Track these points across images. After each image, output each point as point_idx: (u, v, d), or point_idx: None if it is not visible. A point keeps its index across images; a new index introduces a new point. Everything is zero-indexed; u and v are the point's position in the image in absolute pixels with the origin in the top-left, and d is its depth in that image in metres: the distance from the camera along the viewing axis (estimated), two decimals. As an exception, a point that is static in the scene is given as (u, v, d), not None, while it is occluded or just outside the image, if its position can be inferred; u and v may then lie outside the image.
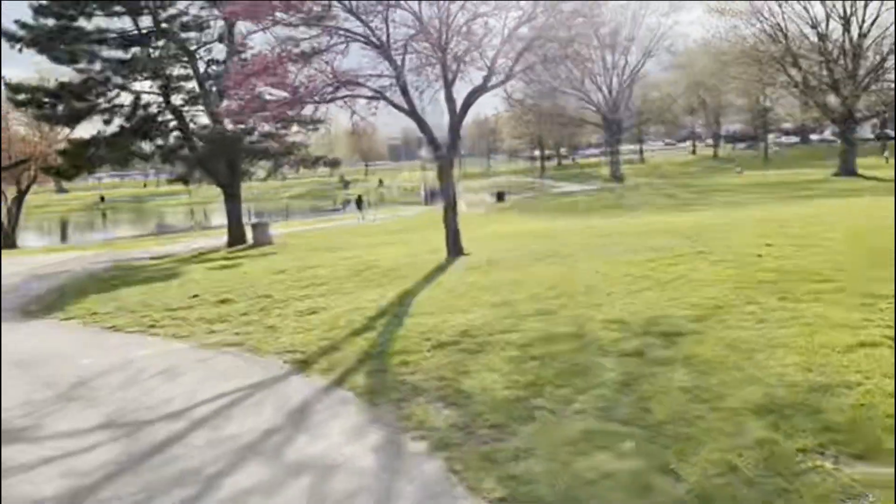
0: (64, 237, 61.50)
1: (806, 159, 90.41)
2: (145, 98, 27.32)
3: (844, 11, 46.15)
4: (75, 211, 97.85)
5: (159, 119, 28.07)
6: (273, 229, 38.88)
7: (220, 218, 37.26)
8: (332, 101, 13.42)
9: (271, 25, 13.52)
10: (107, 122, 27.23)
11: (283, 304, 11.07)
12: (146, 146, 27.61)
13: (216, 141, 26.71)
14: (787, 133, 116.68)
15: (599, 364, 5.70)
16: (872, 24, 46.21)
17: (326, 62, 13.44)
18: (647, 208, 35.01)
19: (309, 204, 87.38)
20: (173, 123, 28.37)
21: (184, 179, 28.99)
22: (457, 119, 13.46)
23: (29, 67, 30.71)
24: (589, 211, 36.65)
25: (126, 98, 26.73)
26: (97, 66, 25.50)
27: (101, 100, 26.70)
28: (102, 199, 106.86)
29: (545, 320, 7.29)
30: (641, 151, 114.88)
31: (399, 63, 13.10)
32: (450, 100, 13.65)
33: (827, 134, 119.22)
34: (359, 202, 46.20)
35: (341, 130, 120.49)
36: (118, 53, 25.89)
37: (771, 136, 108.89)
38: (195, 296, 13.42)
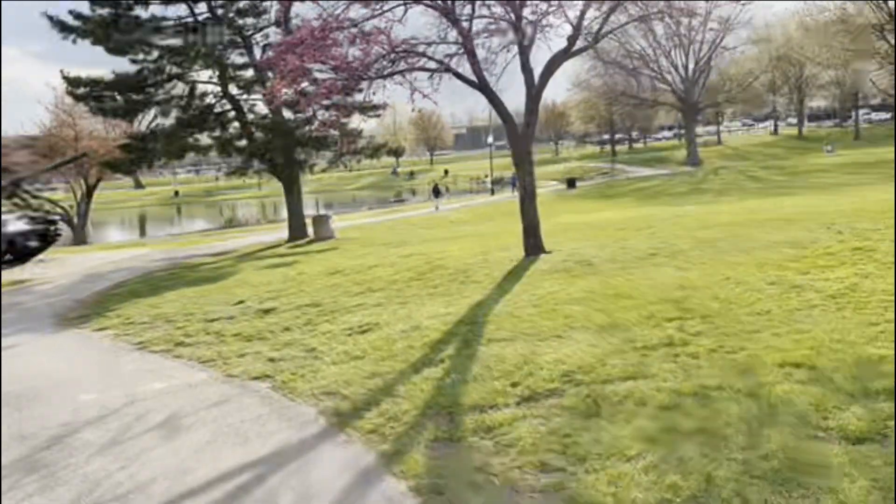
0: (143, 231, 62.64)
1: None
2: (202, 88, 26.22)
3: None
4: (152, 206, 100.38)
5: (217, 109, 26.94)
6: (338, 221, 38.03)
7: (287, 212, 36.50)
8: (389, 75, 11.48)
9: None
10: (164, 115, 26.30)
11: (332, 315, 9.28)
12: (203, 138, 26.49)
13: (273, 130, 25.36)
14: (875, 109, 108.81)
15: (817, 457, 3.44)
16: None
17: (381, 30, 11.51)
18: (737, 193, 31.98)
19: (376, 195, 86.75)
20: (232, 114, 27.25)
21: (241, 172, 27.87)
22: (536, 91, 11.31)
23: (82, 61, 29.63)
24: (672, 196, 33.81)
25: (182, 89, 25.65)
26: (153, 55, 24.45)
27: (158, 91, 25.75)
28: (177, 193, 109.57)
29: (683, 360, 5.11)
30: (719, 133, 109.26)
31: (466, 26, 11.06)
32: (526, 69, 11.51)
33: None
34: (436, 190, 45.96)
35: (405, 120, 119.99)
36: (174, 42, 24.75)
37: (860, 113, 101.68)
38: (240, 302, 11.86)
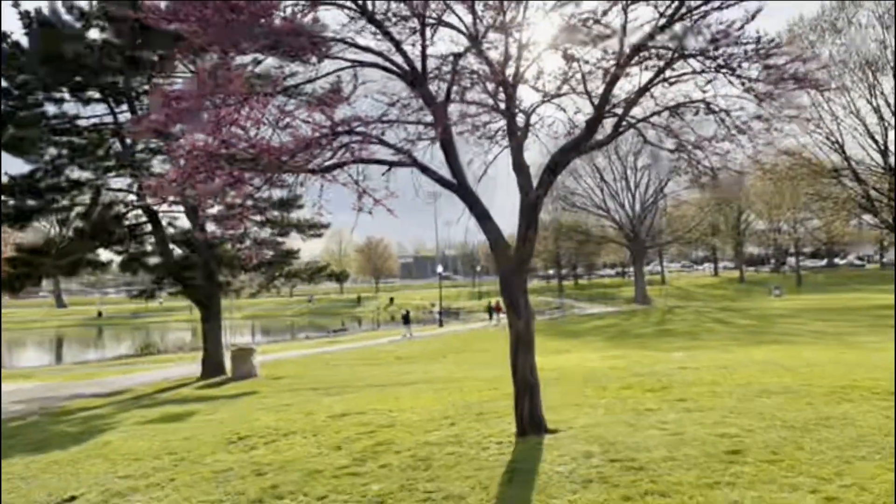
0: (59, 356, 56.60)
1: (840, 283, 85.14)
2: (111, 195, 22.44)
3: (905, 121, 42.09)
4: (73, 326, 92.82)
5: (127, 221, 23.07)
6: (270, 352, 33.40)
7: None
8: (326, 170, 8.03)
9: (235, 54, 8.43)
10: (62, 223, 22.25)
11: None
12: (105, 253, 22.41)
13: (192, 246, 21.53)
14: (810, 256, 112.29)
15: None
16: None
17: (322, 100, 8.22)
18: (711, 337, 29.15)
19: (318, 321, 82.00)
20: (147, 226, 23.41)
21: (150, 294, 23.65)
22: (535, 197, 7.97)
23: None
24: (641, 338, 30.72)
25: (86, 194, 21.83)
26: (50, 154, 20.78)
27: (58, 196, 21.83)
28: (100, 314, 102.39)
29: None
30: (663, 272, 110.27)
31: (439, 99, 7.85)
32: (521, 170, 8.24)
33: (852, 258, 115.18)
34: (406, 318, 45.40)
35: (351, 247, 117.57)
36: (79, 140, 21.23)
37: (791, 260, 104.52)
38: (70, 499, 7.55)
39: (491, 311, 52.07)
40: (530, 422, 7.64)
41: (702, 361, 15.74)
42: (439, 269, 59.18)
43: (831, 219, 51.30)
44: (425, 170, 8.07)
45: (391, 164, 8.28)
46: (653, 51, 7.27)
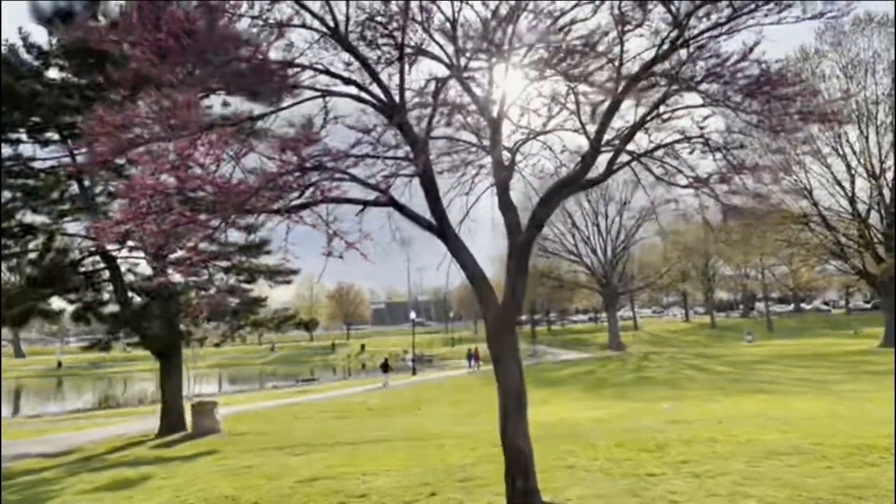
0: (16, 408, 53.67)
1: (809, 328, 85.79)
2: (66, 240, 21.22)
3: (871, 168, 42.78)
4: (32, 377, 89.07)
5: (84, 268, 21.82)
6: (235, 404, 31.82)
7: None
8: (292, 211, 7.23)
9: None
10: (13, 270, 20.91)
11: None
12: (59, 301, 21.08)
13: (152, 294, 20.36)
14: (779, 301, 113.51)
15: None
16: (903, 180, 42.84)
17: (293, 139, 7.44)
18: (691, 386, 28.50)
19: (287, 370, 79.73)
20: (105, 273, 22.16)
21: (105, 345, 22.25)
22: (525, 240, 7.23)
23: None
24: (621, 386, 29.93)
25: (39, 238, 20.58)
26: (5, 197, 19.58)
27: (10, 242, 20.55)
28: (60, 364, 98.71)
29: None
30: (635, 318, 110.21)
31: (420, 134, 7.12)
32: (508, 209, 7.52)
33: (818, 303, 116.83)
34: (384, 366, 44.35)
35: (323, 292, 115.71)
36: (34, 182, 20.12)
37: (761, 305, 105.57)
38: None
39: (470, 357, 51.36)
40: (524, 496, 6.72)
41: (691, 414, 14.97)
42: (412, 315, 58.07)
43: (801, 264, 51.68)
44: (403, 210, 7.30)
45: (365, 204, 7.50)
46: (652, 79, 6.66)
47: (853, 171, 43.26)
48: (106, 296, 22.95)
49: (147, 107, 6.49)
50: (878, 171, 42.45)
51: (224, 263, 23.22)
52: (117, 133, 6.17)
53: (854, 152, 42.61)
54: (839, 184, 43.73)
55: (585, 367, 47.52)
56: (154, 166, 7.11)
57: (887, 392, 17.59)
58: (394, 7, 6.88)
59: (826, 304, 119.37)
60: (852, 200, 43.62)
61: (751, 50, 6.16)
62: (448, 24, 7.59)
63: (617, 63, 6.65)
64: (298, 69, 6.94)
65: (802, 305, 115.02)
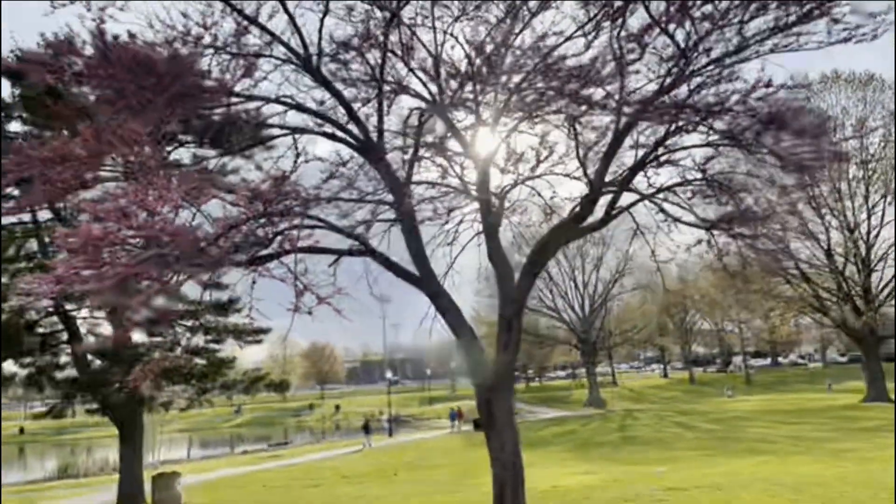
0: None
1: (787, 382, 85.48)
2: (22, 300, 19.98)
3: (846, 221, 43.12)
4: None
5: (41, 329, 20.55)
6: (202, 472, 30.01)
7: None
8: (254, 263, 6.44)
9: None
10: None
11: None
12: (10, 365, 19.69)
13: (111, 357, 19.11)
14: (755, 356, 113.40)
15: None
16: (877, 235, 43.21)
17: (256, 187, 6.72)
18: (679, 444, 27.54)
19: (259, 432, 76.83)
20: (65, 336, 20.89)
21: (59, 413, 20.74)
22: (520, 293, 6.46)
23: None
24: (607, 447, 28.80)
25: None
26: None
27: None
28: (22, 430, 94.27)
29: None
30: (614, 374, 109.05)
31: (401, 177, 6.41)
32: (497, 257, 6.77)
33: (794, 356, 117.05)
34: (366, 427, 43.16)
35: (295, 351, 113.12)
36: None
37: (738, 359, 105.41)
38: None
39: (454, 416, 50.12)
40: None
41: (688, 478, 14.04)
42: (388, 374, 56.57)
43: (780, 318, 51.53)
44: (382, 260, 6.52)
45: (340, 254, 6.72)
46: (656, 114, 6.07)
47: (827, 224, 43.54)
48: (65, 358, 21.64)
49: (84, 144, 5.68)
50: (852, 225, 42.78)
51: (190, 323, 22.12)
52: (48, 171, 5.34)
53: (828, 205, 42.98)
54: (815, 238, 43.91)
55: (568, 425, 46.27)
56: (101, 213, 6.29)
57: (886, 451, 16.89)
58: (373, 31, 6.24)
59: (802, 357, 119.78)
60: (828, 253, 43.75)
61: (753, 88, 5.58)
62: (430, 60, 7.01)
63: (617, 98, 6.07)
64: (262, 102, 6.20)
65: (779, 359, 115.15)
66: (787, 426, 31.45)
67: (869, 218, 43.11)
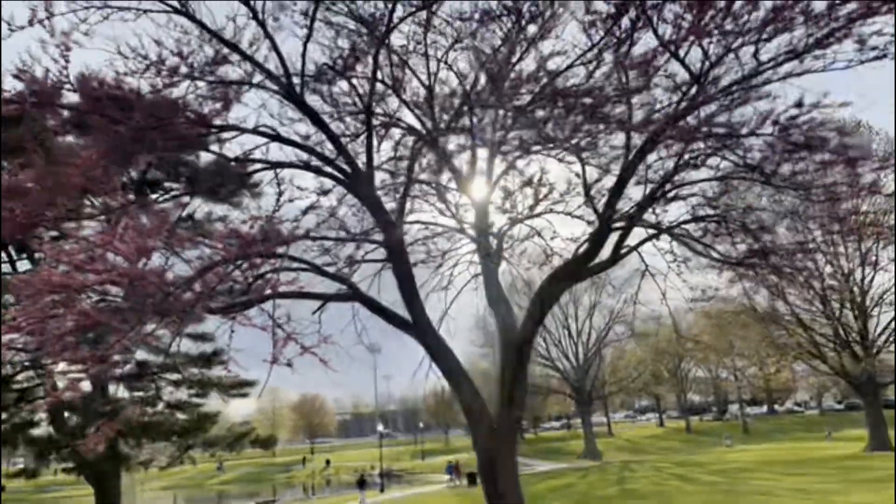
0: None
1: (785, 430, 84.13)
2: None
3: (840, 266, 42.86)
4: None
5: (17, 384, 19.68)
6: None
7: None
8: (230, 311, 5.86)
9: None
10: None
11: None
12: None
13: (87, 411, 18.21)
14: (750, 403, 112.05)
15: None
16: (871, 280, 42.91)
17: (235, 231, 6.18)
18: (682, 498, 26.51)
19: (248, 489, 74.46)
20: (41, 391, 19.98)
21: (30, 473, 19.65)
22: (523, 339, 5.88)
23: None
24: (608, 501, 27.72)
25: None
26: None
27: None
28: (3, 488, 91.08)
29: None
30: (609, 423, 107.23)
31: (392, 213, 5.88)
32: (498, 302, 6.20)
33: (790, 404, 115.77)
34: (361, 482, 42.21)
35: (285, 404, 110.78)
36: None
37: (734, 407, 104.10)
38: None
39: (450, 470, 48.83)
40: None
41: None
42: (379, 427, 55.19)
43: (776, 364, 50.77)
44: (371, 304, 5.94)
45: (326, 299, 6.13)
46: (676, 131, 5.59)
47: (821, 270, 43.25)
48: (42, 415, 20.71)
49: (37, 177, 5.14)
50: (846, 270, 42.51)
51: (174, 376, 21.30)
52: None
53: (820, 250, 42.78)
54: (808, 282, 43.55)
55: (564, 479, 44.89)
56: (65, 257, 5.71)
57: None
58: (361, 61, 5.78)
59: (798, 405, 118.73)
60: (824, 299, 43.31)
61: (799, 104, 5.14)
62: (423, 90, 6.56)
63: (629, 128, 5.61)
64: (240, 133, 5.69)
65: (775, 407, 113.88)
66: (791, 478, 30.46)
67: (863, 263, 42.86)
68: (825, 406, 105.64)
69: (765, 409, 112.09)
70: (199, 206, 18.11)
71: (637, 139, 5.60)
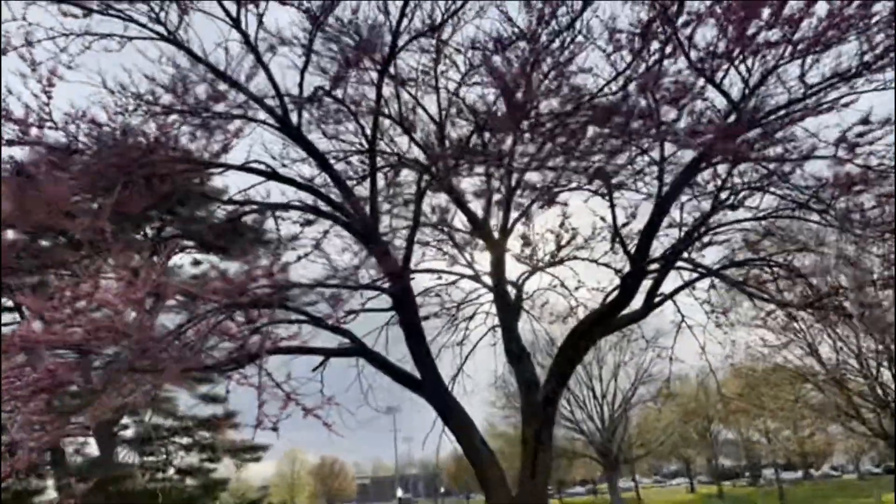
0: None
1: (824, 496, 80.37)
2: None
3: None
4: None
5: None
6: None
7: None
8: (226, 367, 5.26)
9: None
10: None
11: None
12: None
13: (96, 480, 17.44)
14: (785, 468, 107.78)
15: None
16: (906, 330, 41.25)
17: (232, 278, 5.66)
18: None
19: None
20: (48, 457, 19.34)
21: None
22: (551, 390, 5.19)
23: None
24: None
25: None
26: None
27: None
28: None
29: None
30: (637, 489, 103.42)
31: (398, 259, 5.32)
32: (519, 357, 5.54)
33: (826, 468, 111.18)
34: None
35: (304, 468, 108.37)
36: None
37: (768, 472, 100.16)
38: None
39: None
40: None
41: None
42: (399, 492, 53.44)
43: (813, 426, 48.61)
44: (378, 360, 5.31)
45: (328, 354, 5.50)
46: (727, 148, 4.98)
47: (855, 325, 41.79)
48: (49, 482, 20.08)
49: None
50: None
51: (184, 440, 20.62)
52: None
53: (853, 306, 41.42)
54: (842, 339, 41.98)
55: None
56: (45, 309, 5.19)
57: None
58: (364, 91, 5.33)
59: (834, 468, 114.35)
60: (859, 356, 41.66)
61: (865, 120, 4.55)
62: (433, 127, 6.08)
63: (660, 165, 5.05)
64: (227, 169, 5.21)
65: (811, 471, 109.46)
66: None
67: (897, 318, 41.35)
68: (863, 470, 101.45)
69: (800, 473, 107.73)
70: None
71: (672, 166, 5.04)
